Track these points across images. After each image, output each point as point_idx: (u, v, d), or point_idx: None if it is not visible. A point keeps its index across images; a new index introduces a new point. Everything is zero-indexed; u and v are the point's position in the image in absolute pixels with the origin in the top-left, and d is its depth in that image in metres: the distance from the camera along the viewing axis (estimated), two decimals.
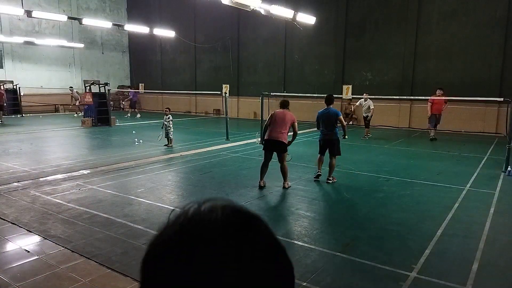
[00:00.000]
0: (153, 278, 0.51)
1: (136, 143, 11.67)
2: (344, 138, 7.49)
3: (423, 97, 13.44)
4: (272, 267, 0.53)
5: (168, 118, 10.96)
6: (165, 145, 11.08)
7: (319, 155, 7.49)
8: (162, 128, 11.14)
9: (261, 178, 6.83)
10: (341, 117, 7.29)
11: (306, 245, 4.22)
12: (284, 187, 6.71)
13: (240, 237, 0.50)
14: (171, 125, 10.99)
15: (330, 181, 7.19)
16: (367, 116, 13.16)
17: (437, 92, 12.84)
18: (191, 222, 0.51)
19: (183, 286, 0.48)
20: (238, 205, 0.55)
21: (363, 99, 13.31)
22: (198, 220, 0.51)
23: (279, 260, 0.54)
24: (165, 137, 11.10)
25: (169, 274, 0.49)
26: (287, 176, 6.75)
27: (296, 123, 6.83)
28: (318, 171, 7.40)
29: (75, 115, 21.06)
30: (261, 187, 6.73)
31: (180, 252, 0.49)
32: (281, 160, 6.75)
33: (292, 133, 6.95)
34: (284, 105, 6.91)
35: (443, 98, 12.64)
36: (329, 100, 7.31)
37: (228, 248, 0.48)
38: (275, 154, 6.81)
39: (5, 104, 18.59)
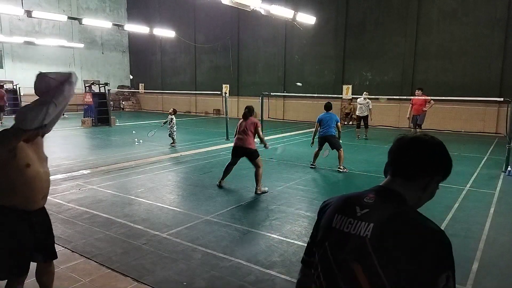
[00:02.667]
0: (394, 154, 1.29)
1: (136, 143, 11.68)
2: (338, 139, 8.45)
3: (423, 97, 13.44)
4: (445, 163, 1.30)
5: (172, 119, 11.17)
6: (171, 144, 11.27)
7: (316, 149, 8.47)
8: (162, 126, 11.52)
9: (222, 178, 6.87)
10: (339, 124, 8.38)
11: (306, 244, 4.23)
12: (256, 193, 6.40)
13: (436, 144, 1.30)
14: (174, 125, 11.22)
15: (341, 170, 8.04)
16: (366, 116, 13.05)
17: (416, 92, 12.44)
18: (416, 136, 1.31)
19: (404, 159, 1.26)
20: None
21: (362, 98, 13.13)
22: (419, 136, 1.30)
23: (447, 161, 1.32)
24: (169, 137, 11.29)
25: (402, 154, 1.27)
26: (259, 181, 6.44)
27: (259, 128, 6.70)
28: (312, 163, 8.49)
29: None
30: (219, 187, 6.75)
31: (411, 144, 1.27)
32: (255, 165, 6.54)
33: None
34: (247, 115, 6.76)
35: (422, 97, 12.21)
36: (328, 107, 8.42)
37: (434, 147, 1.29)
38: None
39: (6, 104, 18.56)
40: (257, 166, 6.51)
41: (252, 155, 6.56)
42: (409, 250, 1.09)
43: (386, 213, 1.17)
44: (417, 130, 12.44)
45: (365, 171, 8.20)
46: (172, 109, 11.61)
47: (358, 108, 13.23)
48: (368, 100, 12.96)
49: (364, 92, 13.55)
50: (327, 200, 1.38)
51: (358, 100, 13.39)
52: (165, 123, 11.38)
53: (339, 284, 1.19)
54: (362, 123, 13.15)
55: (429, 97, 12.43)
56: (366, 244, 1.15)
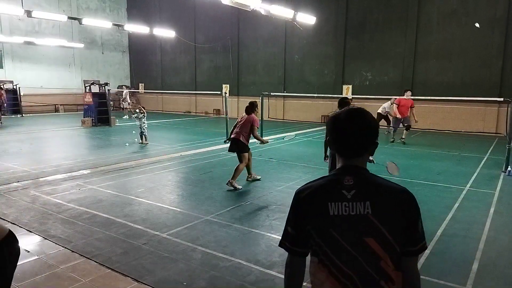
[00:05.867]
0: (335, 128, 1.43)
1: (139, 143, 11.67)
2: None
3: (423, 97, 13.44)
4: (373, 130, 1.43)
5: (143, 116, 11.55)
6: (140, 143, 11.54)
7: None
8: (138, 126, 11.74)
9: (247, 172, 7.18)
10: None
11: None
12: (226, 184, 6.63)
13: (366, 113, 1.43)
14: (145, 123, 11.55)
15: None
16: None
17: (406, 93, 11.90)
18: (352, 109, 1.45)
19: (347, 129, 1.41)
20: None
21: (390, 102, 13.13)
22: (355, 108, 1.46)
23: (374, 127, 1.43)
24: (140, 135, 11.61)
25: (342, 126, 1.41)
26: (235, 174, 6.64)
27: (255, 126, 6.78)
28: None
29: None
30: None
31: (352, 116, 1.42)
32: (239, 159, 6.78)
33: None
34: (247, 110, 6.94)
35: (410, 97, 11.83)
36: (346, 104, 6.10)
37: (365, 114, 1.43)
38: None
39: (5, 104, 18.54)
40: (240, 161, 6.76)
41: (239, 149, 6.78)
42: (401, 211, 1.35)
43: (372, 189, 1.38)
44: (405, 131, 12.09)
45: None
46: (141, 106, 12.22)
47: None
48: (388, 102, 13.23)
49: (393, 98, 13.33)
50: (301, 192, 1.45)
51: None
52: (136, 117, 11.71)
53: (357, 260, 1.35)
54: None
55: (410, 98, 11.98)
56: (371, 219, 1.34)
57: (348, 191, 1.37)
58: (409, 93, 11.91)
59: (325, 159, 5.99)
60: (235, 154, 6.96)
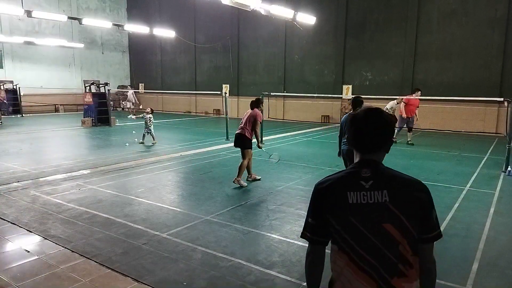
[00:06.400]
0: (354, 125, 1.53)
1: (139, 142, 11.66)
2: None
3: (423, 97, 13.43)
4: (388, 128, 1.53)
5: (150, 117, 11.67)
6: (140, 142, 11.63)
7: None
8: (144, 127, 11.83)
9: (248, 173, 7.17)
10: None
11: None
12: (233, 181, 6.76)
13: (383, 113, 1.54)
14: (151, 124, 11.72)
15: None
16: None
17: (416, 93, 11.71)
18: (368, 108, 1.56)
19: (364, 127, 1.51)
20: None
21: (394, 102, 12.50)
22: (370, 108, 1.55)
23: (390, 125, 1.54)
24: (148, 134, 11.70)
25: (360, 123, 1.52)
26: (239, 172, 6.75)
27: (257, 120, 6.81)
28: None
29: None
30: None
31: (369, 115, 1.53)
32: (242, 155, 6.86)
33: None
34: (251, 105, 7.01)
35: (419, 97, 11.68)
36: (360, 103, 5.69)
37: (382, 114, 1.53)
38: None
39: (5, 101, 18.53)
40: (243, 158, 6.81)
41: (241, 145, 6.81)
42: (416, 201, 1.43)
43: (388, 180, 1.47)
44: (408, 133, 11.97)
45: None
46: (149, 108, 12.19)
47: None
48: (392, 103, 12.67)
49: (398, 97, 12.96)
50: (320, 183, 1.56)
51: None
52: (142, 117, 11.92)
53: (377, 246, 1.43)
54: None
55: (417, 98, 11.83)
56: (389, 207, 1.43)
57: (366, 182, 1.46)
58: (419, 93, 11.79)
59: (339, 154, 6.11)
60: (235, 154, 6.98)
